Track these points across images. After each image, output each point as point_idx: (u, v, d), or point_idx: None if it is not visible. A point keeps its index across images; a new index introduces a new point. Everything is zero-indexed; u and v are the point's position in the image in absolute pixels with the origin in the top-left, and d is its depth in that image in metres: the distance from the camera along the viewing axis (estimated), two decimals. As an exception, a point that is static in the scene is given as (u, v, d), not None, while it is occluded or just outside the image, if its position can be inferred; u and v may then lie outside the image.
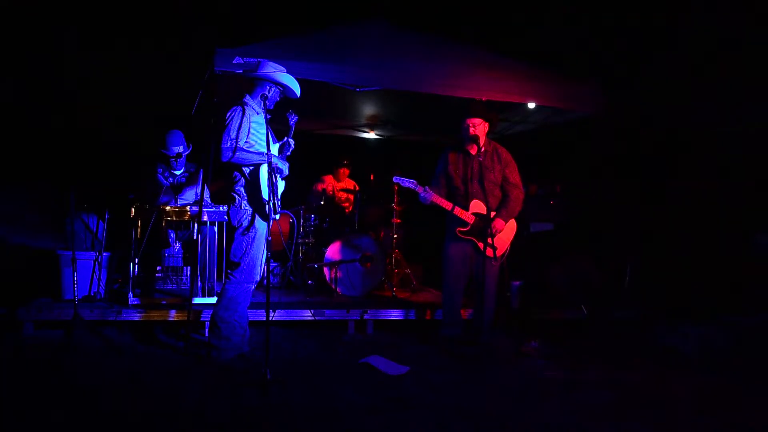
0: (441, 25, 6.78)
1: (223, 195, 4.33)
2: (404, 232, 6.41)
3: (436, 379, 3.76)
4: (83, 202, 5.10)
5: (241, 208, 3.90)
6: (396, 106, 6.45)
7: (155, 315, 4.68)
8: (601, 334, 5.05)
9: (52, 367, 3.77)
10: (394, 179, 4.68)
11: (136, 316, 4.64)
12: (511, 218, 4.57)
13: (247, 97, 3.96)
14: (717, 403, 3.43)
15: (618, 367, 4.12)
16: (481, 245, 4.47)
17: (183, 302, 4.83)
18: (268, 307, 3.53)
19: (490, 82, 5.10)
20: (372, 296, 5.79)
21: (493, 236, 4.38)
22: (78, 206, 5.02)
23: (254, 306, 4.19)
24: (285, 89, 4.05)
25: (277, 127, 4.14)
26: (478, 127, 4.50)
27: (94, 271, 4.99)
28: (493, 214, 4.43)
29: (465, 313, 4.87)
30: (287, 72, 4.04)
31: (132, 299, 4.76)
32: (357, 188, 6.99)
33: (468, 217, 4.50)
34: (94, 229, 5.15)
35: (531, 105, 5.67)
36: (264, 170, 3.85)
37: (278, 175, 4.02)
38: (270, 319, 3.55)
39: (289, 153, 4.13)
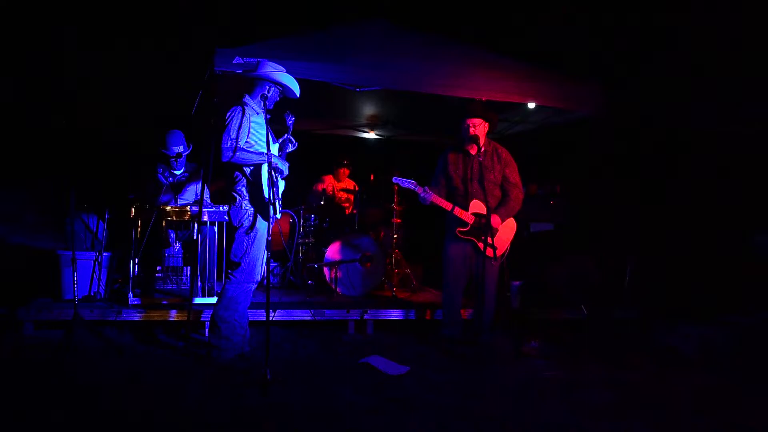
0: (441, 25, 6.77)
1: (223, 195, 4.33)
2: (404, 232, 6.41)
3: (436, 379, 3.76)
4: (83, 202, 5.10)
5: (242, 209, 3.90)
6: (396, 106, 6.45)
7: (155, 315, 4.68)
8: (601, 334, 5.05)
9: (52, 367, 3.77)
10: (394, 179, 4.68)
11: (136, 316, 4.64)
12: (510, 217, 4.58)
13: (247, 97, 3.96)
14: (717, 403, 3.43)
15: (618, 367, 4.12)
16: (481, 245, 4.47)
17: (183, 302, 4.83)
18: (268, 307, 3.53)
19: (490, 82, 5.10)
20: (372, 296, 5.79)
21: (492, 236, 4.38)
22: (78, 206, 5.02)
23: (254, 306, 4.19)
24: (284, 89, 4.05)
25: (276, 128, 4.14)
26: (478, 128, 4.51)
27: (94, 271, 4.99)
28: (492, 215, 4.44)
29: (465, 313, 4.87)
30: (287, 72, 4.04)
31: (132, 299, 4.76)
32: (357, 188, 6.99)
33: (468, 217, 4.50)
34: (94, 229, 5.15)
35: (531, 105, 5.67)
36: (265, 170, 3.85)
37: (278, 175, 4.02)
38: (270, 319, 3.55)
39: (289, 150, 4.13)
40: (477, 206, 4.51)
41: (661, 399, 3.52)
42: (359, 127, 7.46)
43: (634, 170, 6.20)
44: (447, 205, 4.51)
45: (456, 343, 4.56)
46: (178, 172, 5.47)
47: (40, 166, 6.33)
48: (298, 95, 4.11)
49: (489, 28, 7.65)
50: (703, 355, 4.42)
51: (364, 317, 5.00)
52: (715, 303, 5.25)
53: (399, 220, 6.06)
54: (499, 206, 4.55)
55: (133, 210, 4.89)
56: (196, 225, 4.91)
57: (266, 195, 3.81)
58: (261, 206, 3.87)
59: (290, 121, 4.06)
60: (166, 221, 5.15)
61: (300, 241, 6.17)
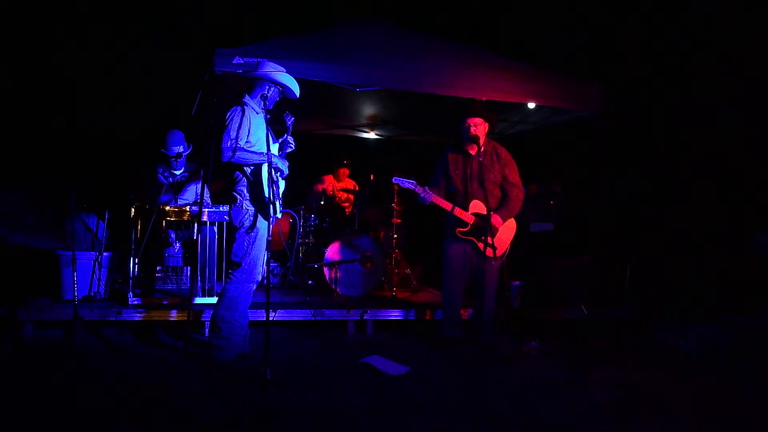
0: (441, 25, 6.77)
1: (223, 195, 4.33)
2: (404, 232, 6.41)
3: (436, 379, 3.76)
4: (83, 202, 5.10)
5: (242, 208, 3.90)
6: (396, 106, 6.45)
7: (155, 315, 4.68)
8: (601, 334, 5.05)
9: (52, 367, 3.77)
10: (394, 179, 4.68)
11: (136, 316, 4.64)
12: (510, 217, 4.58)
13: (247, 97, 3.96)
14: (717, 403, 3.43)
15: (618, 367, 4.13)
16: (481, 245, 4.48)
17: (183, 302, 4.83)
18: (268, 307, 3.53)
19: (490, 82, 5.10)
20: (372, 296, 5.79)
21: (492, 236, 4.38)
22: (78, 206, 5.02)
23: (254, 306, 4.19)
24: (284, 89, 4.04)
25: (276, 128, 4.14)
26: (479, 127, 4.51)
27: (94, 271, 4.99)
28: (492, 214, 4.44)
29: (465, 313, 4.87)
30: (287, 72, 4.04)
31: (132, 299, 4.76)
32: (357, 188, 6.99)
33: (468, 217, 4.50)
34: (94, 229, 5.15)
35: (531, 105, 5.67)
36: (265, 170, 3.85)
37: (279, 175, 4.02)
38: (270, 319, 3.55)
39: (288, 151, 4.13)
40: (477, 206, 4.51)
41: (661, 399, 3.52)
42: (359, 127, 7.46)
43: (634, 170, 6.20)
44: (447, 205, 4.51)
45: (456, 343, 4.56)
46: (178, 172, 5.48)
47: (40, 166, 6.33)
48: (297, 96, 4.11)
49: (489, 28, 7.65)
50: (703, 355, 4.42)
51: (364, 317, 5.00)
52: (715, 303, 5.25)
53: (399, 220, 6.06)
54: (499, 206, 4.55)
55: (133, 210, 4.90)
56: (196, 225, 4.91)
57: (267, 195, 3.81)
58: (262, 206, 3.87)
59: (290, 121, 4.06)
60: (166, 221, 5.15)
61: (300, 241, 6.17)
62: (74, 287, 4.39)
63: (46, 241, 5.98)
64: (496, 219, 4.46)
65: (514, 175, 4.61)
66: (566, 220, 6.11)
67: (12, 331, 4.53)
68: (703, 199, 5.87)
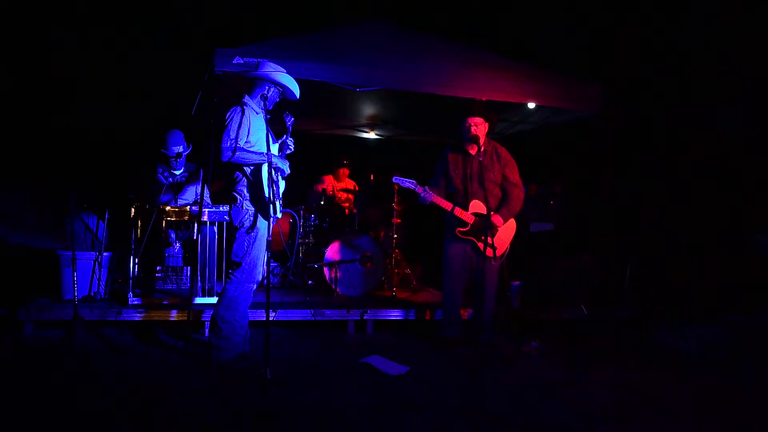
0: (441, 25, 6.77)
1: (223, 195, 4.32)
2: (404, 232, 6.41)
3: (436, 379, 3.76)
4: (83, 202, 5.10)
5: (242, 209, 3.90)
6: (396, 106, 6.45)
7: (155, 315, 4.68)
8: (601, 334, 5.05)
9: (52, 367, 3.77)
10: (394, 179, 4.68)
11: (136, 316, 4.64)
12: (511, 217, 4.58)
13: (247, 97, 3.96)
14: (717, 403, 3.43)
15: (618, 367, 4.13)
16: (481, 245, 4.47)
17: (183, 302, 4.83)
18: (268, 307, 3.53)
19: (490, 82, 5.10)
20: (372, 296, 5.79)
21: (492, 236, 4.38)
22: (78, 206, 5.02)
23: (254, 306, 4.19)
24: (284, 90, 4.04)
25: (275, 129, 4.14)
26: (480, 127, 4.51)
27: (94, 271, 4.99)
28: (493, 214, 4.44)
29: (465, 313, 4.87)
30: (287, 72, 4.04)
31: (132, 299, 4.76)
32: (357, 188, 6.99)
33: (468, 217, 4.50)
34: (94, 229, 5.15)
35: (531, 105, 5.67)
36: (265, 170, 3.85)
37: (279, 175, 4.02)
38: (270, 319, 3.55)
39: (287, 152, 4.13)
40: (477, 206, 4.51)
41: (661, 399, 3.52)
42: (359, 127, 7.46)
43: (634, 170, 6.20)
44: (447, 205, 4.51)
45: (456, 343, 4.56)
46: (177, 172, 5.47)
47: (40, 166, 6.33)
48: (297, 96, 4.10)
49: (489, 29, 7.66)
50: (703, 355, 4.42)
51: (364, 317, 5.00)
52: (715, 303, 5.25)
53: (399, 220, 6.06)
54: (500, 206, 4.55)
55: (133, 210, 4.90)
56: (196, 225, 4.91)
57: (267, 195, 3.81)
58: (262, 206, 3.87)
59: (289, 121, 4.06)
60: (166, 221, 5.15)
61: (300, 241, 6.17)
62: (74, 287, 4.39)
63: (46, 241, 5.98)
64: (497, 218, 4.46)
65: (514, 175, 4.61)
66: (566, 220, 6.11)
67: (12, 331, 4.53)
68: (703, 199, 5.87)
